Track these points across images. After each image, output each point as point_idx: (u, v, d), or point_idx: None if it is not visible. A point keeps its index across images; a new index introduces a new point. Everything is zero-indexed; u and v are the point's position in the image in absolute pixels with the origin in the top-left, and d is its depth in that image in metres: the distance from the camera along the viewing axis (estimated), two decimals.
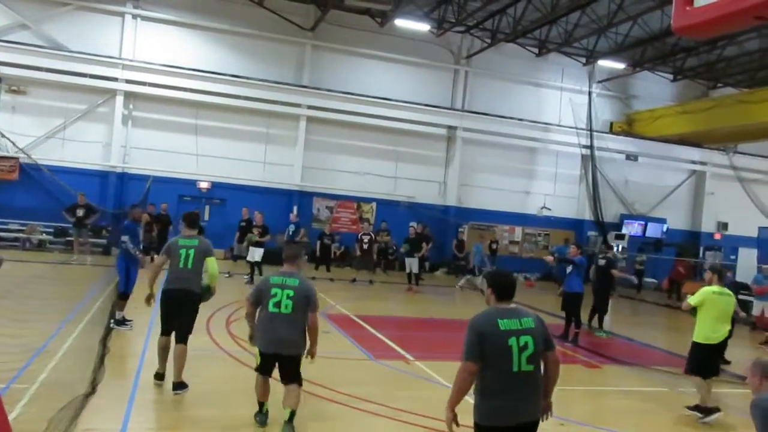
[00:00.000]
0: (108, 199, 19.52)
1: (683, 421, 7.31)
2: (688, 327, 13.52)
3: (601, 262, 13.04)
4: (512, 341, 3.62)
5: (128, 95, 20.01)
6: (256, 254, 15.36)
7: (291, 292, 5.42)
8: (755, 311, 14.73)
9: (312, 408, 6.30)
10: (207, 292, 6.64)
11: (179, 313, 6.39)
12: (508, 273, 4.04)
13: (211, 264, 6.53)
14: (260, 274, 14.67)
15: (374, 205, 22.89)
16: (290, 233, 17.24)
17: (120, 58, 19.69)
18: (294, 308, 5.41)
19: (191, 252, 6.44)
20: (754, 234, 18.23)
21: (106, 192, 19.65)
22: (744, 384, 9.37)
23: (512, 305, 3.85)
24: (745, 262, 21.62)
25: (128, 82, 19.79)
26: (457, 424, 3.73)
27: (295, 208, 21.41)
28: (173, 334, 6.47)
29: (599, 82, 24.81)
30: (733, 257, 24.09)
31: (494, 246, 21.20)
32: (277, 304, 5.39)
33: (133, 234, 9.11)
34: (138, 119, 20.31)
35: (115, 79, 19.65)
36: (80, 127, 19.68)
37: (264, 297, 5.47)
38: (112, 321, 9.05)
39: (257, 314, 5.58)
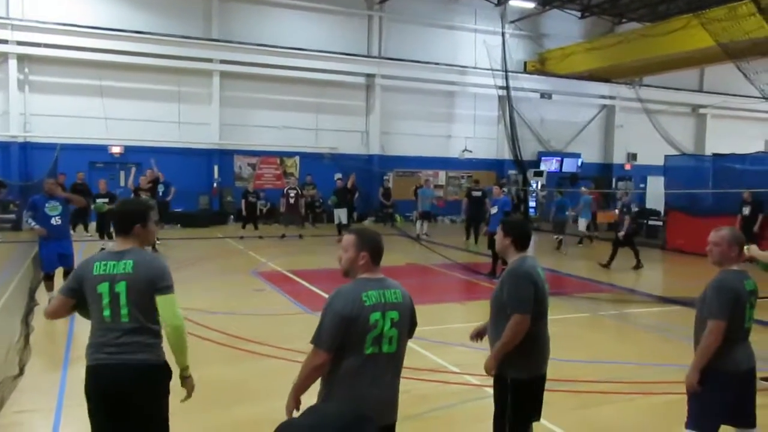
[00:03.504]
0: (12, 172, 18.32)
1: (604, 342, 7.83)
2: (605, 254, 14.40)
3: (476, 194, 17.98)
4: (546, 288, 3.74)
5: (21, 58, 18.58)
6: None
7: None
8: (581, 227, 17.75)
9: (254, 365, 6.33)
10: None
11: (124, 414, 3.18)
12: (527, 222, 3.98)
13: (165, 307, 3.22)
14: None
15: (297, 159, 22.60)
16: (160, 194, 15.46)
17: (8, 18, 18.14)
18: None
19: (120, 286, 3.19)
20: (661, 162, 19.31)
21: (8, 164, 18.43)
22: (655, 303, 10.11)
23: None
24: (654, 190, 22.95)
25: (20, 43, 18.32)
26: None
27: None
28: None
29: (511, 22, 25.09)
30: (642, 186, 25.50)
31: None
32: None
33: (34, 208, 8.43)
34: (36, 84, 18.95)
35: (5, 42, 18.15)
36: None
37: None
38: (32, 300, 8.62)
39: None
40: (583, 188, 18.82)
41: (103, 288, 3.19)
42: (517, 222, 4.01)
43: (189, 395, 3.39)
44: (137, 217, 3.35)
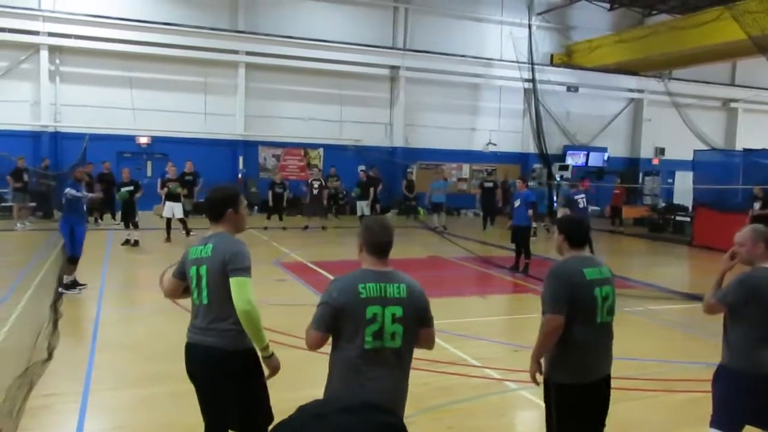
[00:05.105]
0: (42, 161, 18.69)
1: (629, 339, 7.73)
2: (631, 249, 14.22)
3: (488, 184, 19.43)
4: (597, 291, 3.47)
5: (53, 49, 18.92)
6: (175, 210, 14.29)
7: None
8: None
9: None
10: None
11: (207, 397, 3.41)
12: (582, 218, 3.78)
13: (235, 290, 3.21)
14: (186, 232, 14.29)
15: (321, 150, 22.68)
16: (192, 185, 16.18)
17: (40, 10, 18.48)
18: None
19: (203, 270, 3.32)
20: (690, 157, 18.95)
21: (39, 153, 18.79)
22: (681, 299, 9.97)
23: (587, 253, 3.65)
24: (681, 185, 22.56)
25: (51, 35, 18.66)
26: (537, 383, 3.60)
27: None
28: None
29: (538, 14, 24.78)
30: (670, 181, 25.07)
31: None
32: None
33: (75, 189, 8.74)
34: (66, 75, 19.29)
35: (37, 33, 18.49)
36: (3, 86, 18.56)
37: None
38: (60, 286, 8.82)
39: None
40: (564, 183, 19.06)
41: (193, 271, 3.36)
42: (571, 218, 3.89)
43: (271, 374, 3.45)
44: (228, 202, 3.43)
